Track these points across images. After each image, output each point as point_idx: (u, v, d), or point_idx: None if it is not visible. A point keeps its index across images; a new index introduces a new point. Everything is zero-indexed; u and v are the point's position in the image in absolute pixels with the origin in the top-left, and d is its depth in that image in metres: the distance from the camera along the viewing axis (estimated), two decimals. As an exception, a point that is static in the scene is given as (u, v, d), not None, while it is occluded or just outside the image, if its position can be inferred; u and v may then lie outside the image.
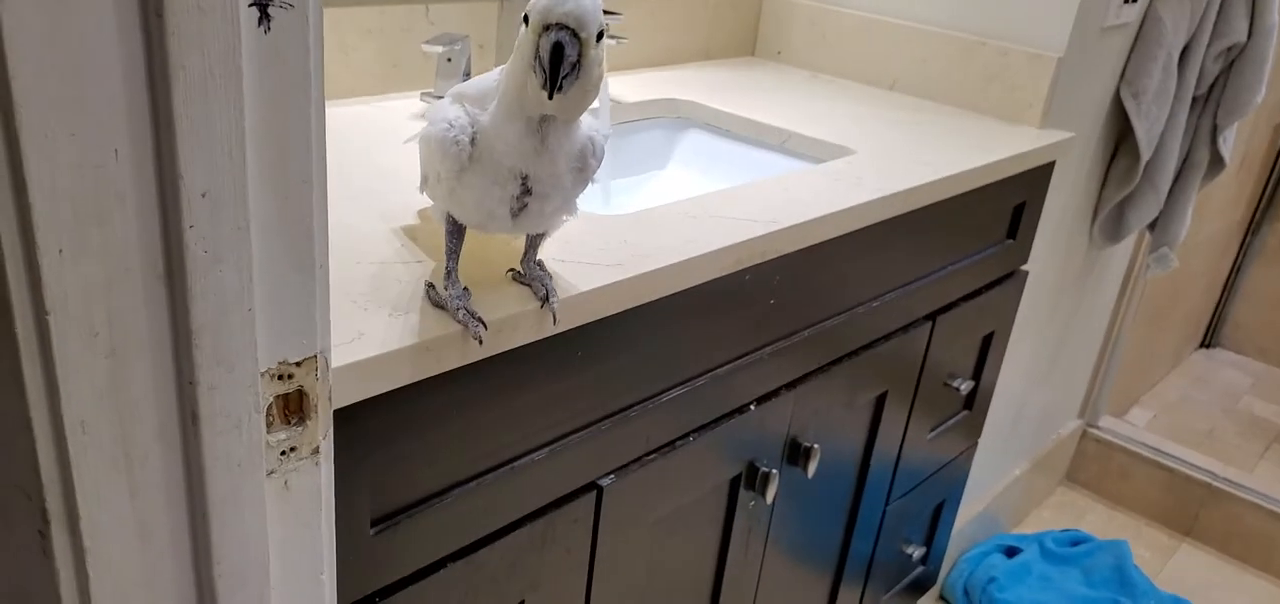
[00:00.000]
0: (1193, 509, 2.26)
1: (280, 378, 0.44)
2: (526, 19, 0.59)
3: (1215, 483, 2.22)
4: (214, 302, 0.40)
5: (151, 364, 0.39)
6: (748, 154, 1.31)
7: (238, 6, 0.36)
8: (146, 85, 0.35)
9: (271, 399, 0.44)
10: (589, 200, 1.25)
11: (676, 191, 1.31)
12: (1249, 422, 2.80)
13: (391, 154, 0.98)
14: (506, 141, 0.63)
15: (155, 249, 0.38)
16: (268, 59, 0.38)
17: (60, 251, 0.35)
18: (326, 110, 1.07)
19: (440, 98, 1.14)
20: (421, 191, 0.71)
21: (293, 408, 0.45)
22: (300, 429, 0.46)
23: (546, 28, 0.58)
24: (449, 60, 1.13)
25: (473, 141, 0.63)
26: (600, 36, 0.59)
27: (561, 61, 0.58)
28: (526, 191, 0.64)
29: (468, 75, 1.15)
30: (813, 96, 1.44)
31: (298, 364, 0.44)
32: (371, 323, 0.64)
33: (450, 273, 0.67)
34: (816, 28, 1.58)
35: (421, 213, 0.82)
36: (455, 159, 0.63)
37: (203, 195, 0.38)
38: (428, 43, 1.12)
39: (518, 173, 0.64)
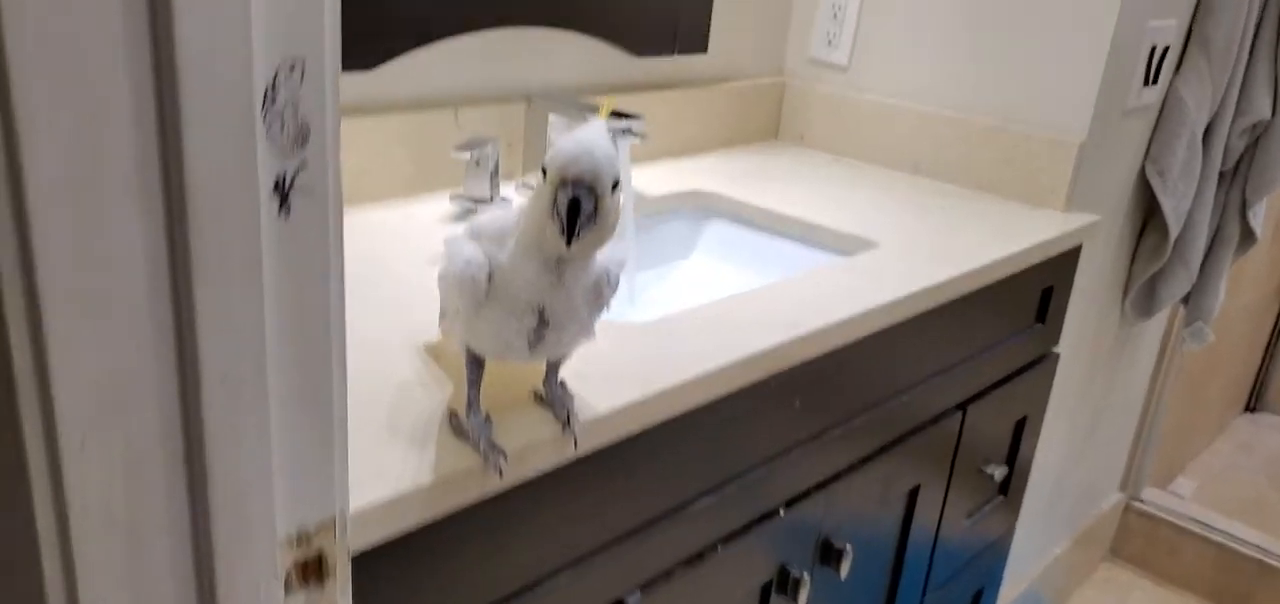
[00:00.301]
0: (1245, 586, 2.19)
1: (299, 543, 0.44)
2: (544, 171, 0.62)
3: (1268, 560, 2.15)
4: (233, 480, 0.40)
5: (170, 544, 0.40)
6: (771, 244, 1.32)
7: (258, 201, 0.37)
8: (169, 281, 0.36)
9: (289, 566, 0.44)
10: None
11: (701, 282, 1.31)
12: (1298, 490, 2.72)
13: (417, 261, 0.99)
14: (524, 278, 0.64)
15: (175, 434, 0.39)
16: (288, 243, 0.39)
17: (82, 445, 0.36)
18: (357, 214, 1.09)
19: (469, 199, 1.16)
20: (440, 326, 0.71)
21: (311, 570, 0.45)
22: (319, 590, 0.46)
23: (563, 182, 0.60)
24: (477, 163, 1.15)
25: (489, 278, 0.65)
26: (615, 186, 0.62)
27: (578, 215, 0.60)
28: (543, 324, 0.65)
29: (496, 174, 1.16)
30: (835, 182, 1.44)
31: (316, 528, 0.45)
32: (391, 457, 0.64)
33: (472, 402, 0.68)
34: (838, 113, 1.59)
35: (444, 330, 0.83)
36: (473, 295, 0.65)
37: (222, 379, 0.39)
38: (456, 149, 1.14)
39: (534, 307, 0.65)
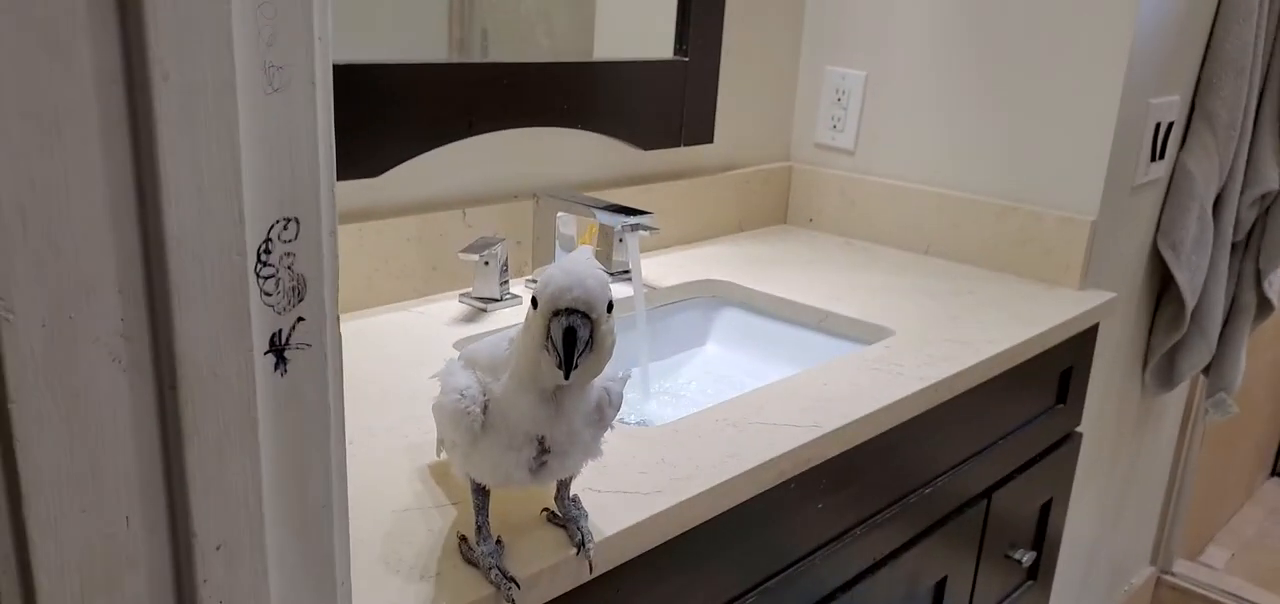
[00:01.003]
0: (1283, 662, 2.11)
1: (302, 710, 0.42)
2: (535, 302, 0.60)
3: (1305, 633, 2.08)
4: (231, 651, 0.38)
5: (165, 726, 0.37)
6: (785, 332, 1.30)
7: (253, 363, 0.35)
8: (160, 453, 0.34)
9: None
10: (629, 387, 1.25)
11: (715, 372, 1.29)
12: (1333, 557, 2.64)
13: (426, 368, 0.97)
14: (520, 411, 0.63)
15: (170, 606, 0.37)
16: (285, 401, 0.37)
17: (69, 628, 0.34)
18: (365, 318, 1.08)
19: (478, 299, 1.15)
20: (438, 455, 0.69)
21: None
22: None
23: (557, 313, 0.59)
24: (486, 264, 1.14)
25: (485, 410, 0.63)
26: (610, 307, 0.60)
27: (575, 345, 0.59)
28: (544, 452, 0.64)
29: (506, 273, 1.16)
30: (847, 266, 1.43)
31: (320, 692, 0.42)
32: (400, 590, 0.62)
33: (481, 528, 0.65)
34: (847, 195, 1.59)
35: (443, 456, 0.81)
36: (468, 429, 0.63)
37: (217, 548, 0.37)
38: (464, 251, 1.13)
39: (533, 437, 0.63)
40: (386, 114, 1.05)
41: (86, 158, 0.28)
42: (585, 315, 0.59)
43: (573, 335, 0.58)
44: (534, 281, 1.23)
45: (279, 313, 0.36)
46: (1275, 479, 3.03)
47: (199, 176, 0.30)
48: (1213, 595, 2.17)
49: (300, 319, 0.37)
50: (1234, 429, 2.42)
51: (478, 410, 0.63)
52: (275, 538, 0.39)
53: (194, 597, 0.37)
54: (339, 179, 1.06)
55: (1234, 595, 2.17)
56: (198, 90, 0.29)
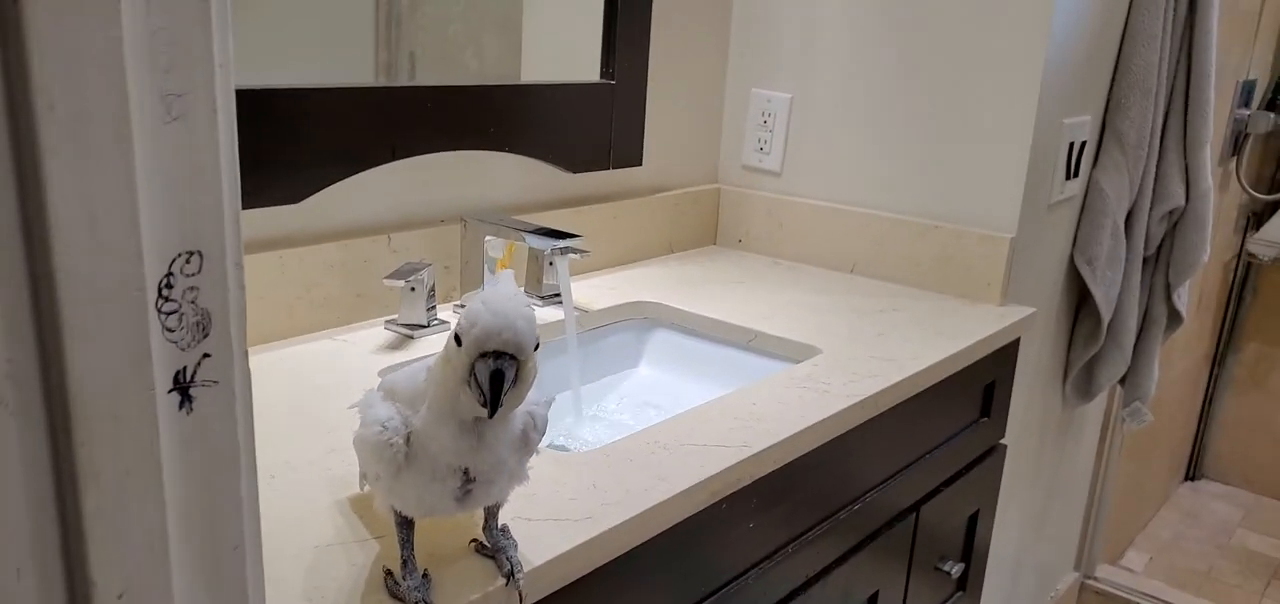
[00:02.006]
0: (1201, 661, 2.19)
1: None
2: (458, 338, 0.58)
3: (1221, 632, 2.16)
4: (134, 704, 0.36)
5: None
6: (716, 353, 1.30)
7: (155, 402, 0.34)
8: (54, 499, 0.33)
9: None
10: (561, 411, 1.24)
11: (647, 394, 1.29)
12: (1245, 557, 2.75)
13: (349, 399, 0.95)
14: (442, 442, 0.61)
15: (67, 660, 0.35)
16: (191, 440, 0.36)
17: (-45, 690, 0.32)
18: (286, 348, 1.05)
19: (404, 325, 1.13)
20: (361, 488, 0.68)
21: None
22: None
23: (484, 354, 0.57)
24: (412, 290, 1.13)
25: (407, 441, 0.61)
26: (536, 346, 0.59)
27: (502, 386, 0.57)
28: (469, 480, 0.62)
29: (433, 298, 1.14)
30: (775, 285, 1.44)
31: None
32: (325, 627, 0.60)
33: (406, 562, 0.64)
34: (774, 216, 1.60)
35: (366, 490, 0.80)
36: (391, 461, 0.62)
37: (119, 597, 0.35)
38: (389, 278, 1.11)
39: (457, 469, 0.62)
40: (307, 139, 1.03)
41: (-33, 191, 0.27)
42: (513, 357, 0.57)
43: (500, 378, 0.57)
44: (462, 306, 1.22)
45: (183, 349, 0.35)
46: (1189, 484, 3.15)
47: (91, 209, 0.29)
48: (1133, 598, 2.24)
49: (206, 355, 0.35)
50: (1149, 437, 2.51)
51: (400, 441, 0.61)
52: (183, 583, 0.37)
53: (93, 649, 0.35)
54: (258, 206, 1.04)
55: (1153, 597, 2.24)
56: (87, 120, 0.28)
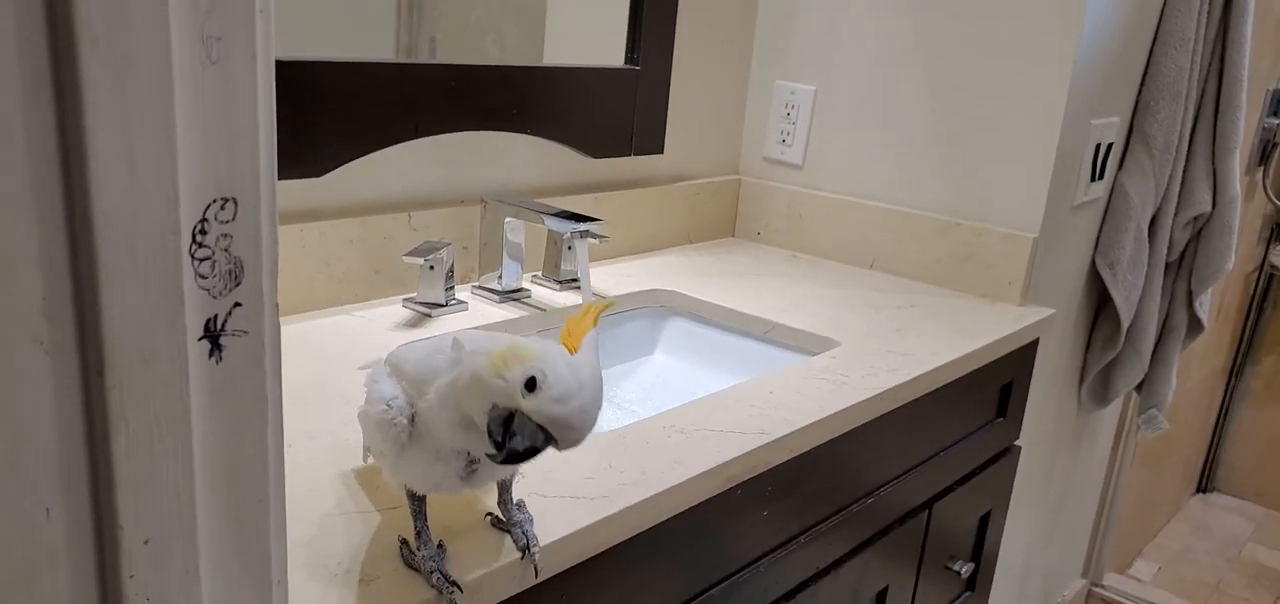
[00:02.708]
0: (1209, 673, 2.17)
1: (232, 716, 0.40)
2: (531, 383, 0.53)
3: (1230, 645, 2.14)
4: (157, 653, 0.36)
5: None
6: (733, 343, 1.30)
7: (186, 349, 0.34)
8: (85, 441, 0.33)
9: None
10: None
11: (663, 381, 1.29)
12: (1255, 571, 2.73)
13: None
14: (444, 433, 0.60)
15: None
16: (220, 391, 0.36)
17: (-18, 627, 0.32)
18: (307, 322, 1.05)
19: (422, 304, 1.13)
20: (365, 461, 0.67)
21: None
22: None
23: (536, 429, 0.54)
24: (432, 268, 1.13)
25: (412, 421, 0.61)
26: None
27: (529, 458, 0.55)
28: (473, 461, 0.62)
29: (452, 278, 1.14)
30: (793, 278, 1.44)
31: (252, 696, 0.41)
32: (340, 594, 0.60)
33: (420, 533, 0.64)
34: (794, 209, 1.60)
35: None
36: (395, 440, 0.61)
37: (145, 543, 0.35)
38: (408, 255, 1.11)
39: (461, 452, 0.62)
40: (330, 113, 1.03)
41: (4, 124, 0.27)
42: (551, 438, 0.54)
43: (532, 455, 0.54)
44: (482, 289, 1.22)
45: (215, 297, 0.35)
46: (1200, 496, 3.13)
47: (130, 149, 0.29)
48: (1141, 608, 2.23)
49: (237, 304, 0.35)
50: (1162, 446, 2.49)
51: (404, 421, 0.61)
52: (208, 533, 0.37)
53: (119, 593, 0.35)
54: (280, 178, 1.04)
55: (1162, 608, 2.23)
56: (129, 57, 0.28)
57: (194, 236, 0.33)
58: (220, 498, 0.37)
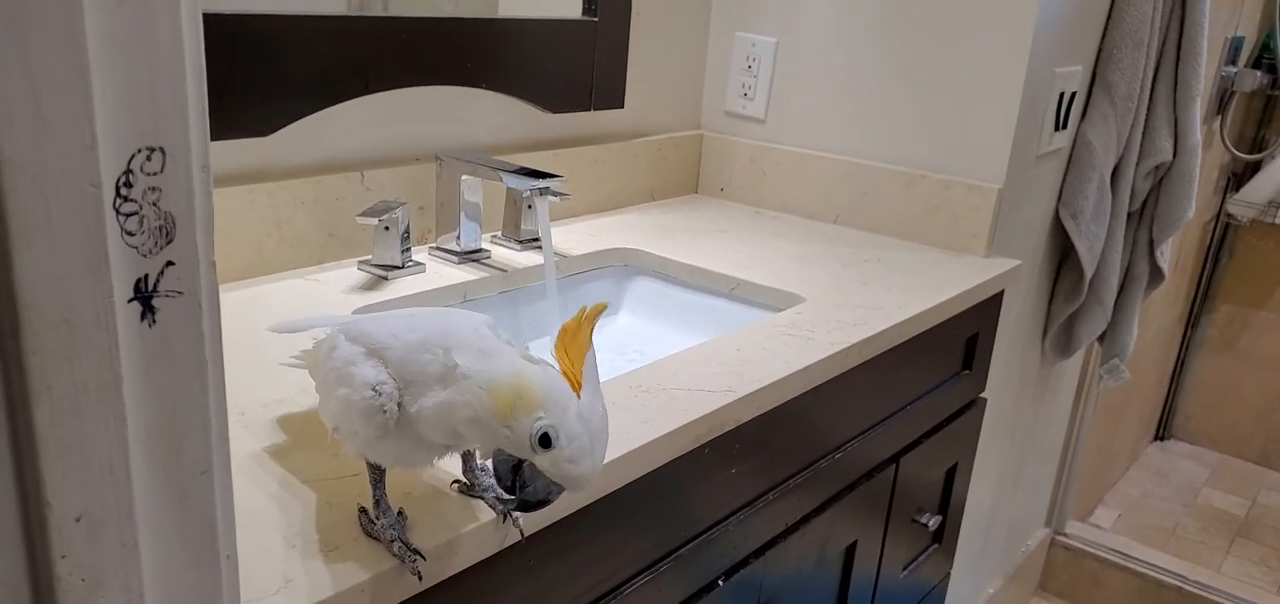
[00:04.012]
0: (1166, 615, 2.22)
1: (180, 697, 0.38)
2: (546, 439, 0.54)
3: (1186, 587, 2.19)
4: (95, 636, 0.34)
5: (17, 724, 0.33)
6: (698, 301, 1.28)
7: (114, 310, 0.31)
8: (4, 411, 0.30)
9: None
10: (539, 355, 1.21)
11: (628, 342, 1.27)
12: (1210, 516, 2.79)
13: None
14: (437, 438, 0.60)
15: (21, 587, 0.32)
16: (154, 356, 0.33)
17: (-104, 616, 0.30)
18: (255, 288, 1.02)
19: (378, 266, 1.10)
20: (330, 439, 0.64)
21: (198, 727, 0.39)
22: None
23: (542, 478, 0.55)
24: (386, 229, 1.10)
25: (399, 406, 0.59)
26: None
27: (540, 509, 0.57)
28: (451, 445, 0.61)
29: (408, 239, 1.11)
30: (758, 235, 1.42)
31: (201, 676, 0.39)
32: (299, 565, 0.58)
33: (379, 501, 0.62)
34: (757, 164, 1.58)
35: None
36: (380, 426, 0.58)
37: (77, 520, 0.33)
38: (362, 215, 1.08)
39: (445, 445, 0.61)
40: (277, 69, 0.99)
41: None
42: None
43: (544, 506, 0.57)
44: (440, 250, 1.19)
45: (144, 255, 0.32)
46: (1158, 443, 3.19)
47: (34, 86, 0.26)
48: (1101, 554, 2.27)
49: (170, 263, 0.33)
50: (1122, 396, 2.53)
51: (393, 407, 0.58)
52: (147, 507, 0.35)
53: (50, 573, 0.32)
54: (226, 137, 1.00)
55: (1121, 553, 2.27)
56: (31, -16, 0.25)
57: (118, 189, 0.30)
58: (159, 470, 0.35)
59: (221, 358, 0.36)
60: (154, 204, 0.32)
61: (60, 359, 0.30)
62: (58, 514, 0.32)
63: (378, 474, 0.62)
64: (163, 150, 0.31)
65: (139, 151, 0.30)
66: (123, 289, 0.31)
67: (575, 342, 0.57)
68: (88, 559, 0.33)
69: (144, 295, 0.32)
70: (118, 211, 0.30)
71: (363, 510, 0.63)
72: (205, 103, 0.32)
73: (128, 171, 0.30)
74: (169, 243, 0.33)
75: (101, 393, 0.32)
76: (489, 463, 0.68)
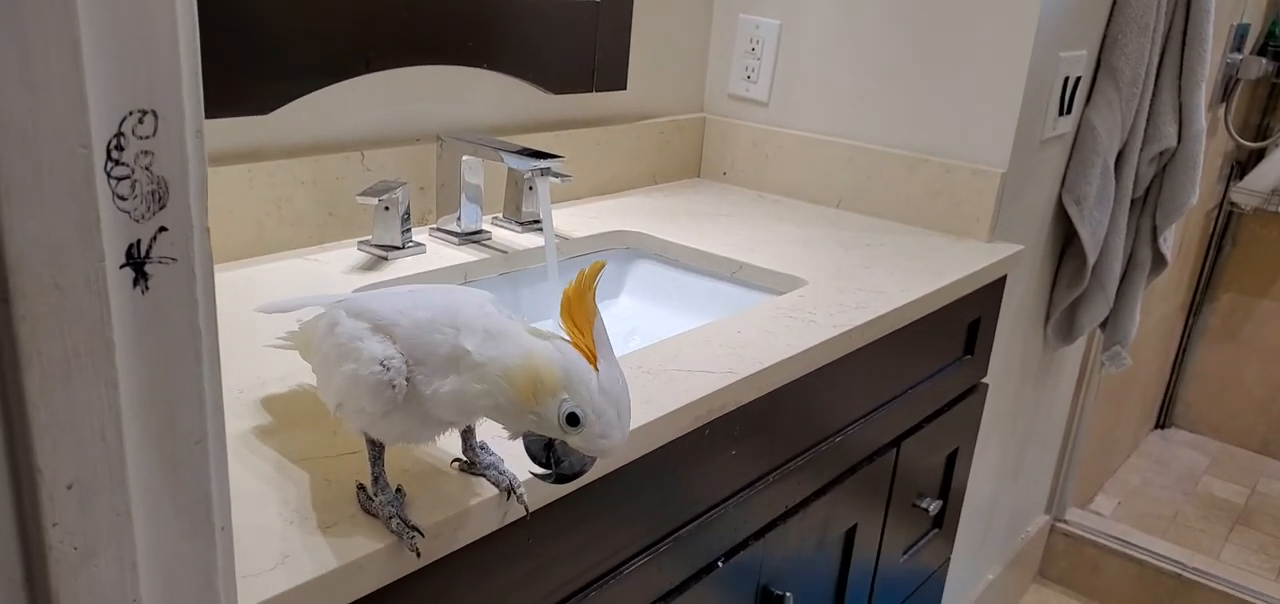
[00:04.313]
0: (1165, 601, 2.22)
1: (175, 669, 0.38)
2: (573, 418, 0.55)
3: (1185, 574, 2.19)
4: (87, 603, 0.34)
5: (9, 693, 0.33)
6: (699, 284, 1.28)
7: (105, 276, 0.31)
8: (-7, 377, 0.30)
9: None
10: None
11: (630, 324, 1.27)
12: (1210, 503, 2.79)
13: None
14: (450, 418, 0.60)
15: (12, 555, 0.32)
16: (147, 322, 0.33)
17: (-114, 582, 0.29)
18: (254, 267, 1.02)
19: (378, 247, 1.09)
20: (335, 414, 0.63)
21: (192, 699, 0.39)
22: (202, 720, 0.39)
23: (574, 453, 0.57)
24: (387, 209, 1.09)
25: (408, 381, 0.58)
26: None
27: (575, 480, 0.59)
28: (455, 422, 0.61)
29: (408, 220, 1.10)
30: (760, 219, 1.42)
31: (196, 648, 0.38)
32: (296, 541, 0.58)
33: (377, 478, 0.61)
34: (760, 148, 1.57)
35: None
36: (387, 401, 0.58)
37: (69, 487, 0.32)
38: (362, 194, 1.07)
39: (453, 423, 0.61)
40: (277, 47, 0.99)
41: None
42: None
43: (580, 476, 0.59)
44: (440, 231, 1.18)
45: (137, 220, 0.32)
46: (1159, 431, 3.19)
47: (22, 42, 0.26)
48: (1101, 541, 2.27)
49: (163, 229, 0.32)
50: (1123, 384, 2.53)
51: (402, 382, 0.58)
52: (140, 475, 0.34)
53: (42, 541, 0.32)
54: (225, 115, 1.00)
55: (1120, 540, 2.27)
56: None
57: (109, 153, 0.30)
58: (152, 438, 0.35)
59: (216, 326, 0.36)
60: (146, 168, 0.31)
61: (51, 324, 0.30)
62: (49, 481, 0.32)
63: (377, 451, 0.62)
64: (155, 114, 0.30)
65: (131, 114, 0.30)
66: (114, 254, 0.31)
67: (581, 310, 0.57)
68: (79, 527, 0.33)
69: (136, 261, 0.32)
70: (109, 175, 0.30)
71: (361, 487, 0.63)
72: (199, 67, 0.32)
73: (119, 134, 0.30)
74: (162, 208, 0.32)
75: (93, 359, 0.31)
76: (488, 441, 0.68)
